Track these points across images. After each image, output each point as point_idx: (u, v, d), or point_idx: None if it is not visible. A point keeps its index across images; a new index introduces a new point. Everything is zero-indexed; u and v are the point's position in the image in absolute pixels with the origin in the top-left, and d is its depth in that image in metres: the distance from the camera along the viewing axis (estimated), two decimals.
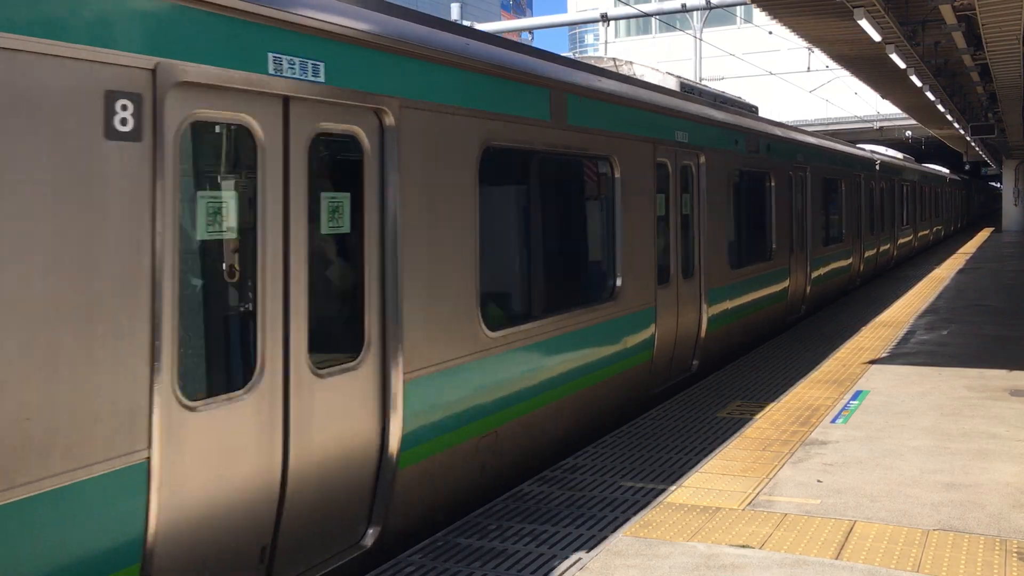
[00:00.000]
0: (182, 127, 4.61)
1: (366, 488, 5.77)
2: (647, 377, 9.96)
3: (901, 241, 28.64)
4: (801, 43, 21.41)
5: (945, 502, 6.10)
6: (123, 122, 4.27)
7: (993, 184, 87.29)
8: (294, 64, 5.22)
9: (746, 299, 13.13)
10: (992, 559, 5.15)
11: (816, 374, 10.48)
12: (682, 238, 10.91)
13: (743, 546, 5.41)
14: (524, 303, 7.92)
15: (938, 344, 12.26)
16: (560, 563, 5.55)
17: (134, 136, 4.32)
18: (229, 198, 4.98)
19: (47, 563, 3.90)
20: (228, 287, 5.06)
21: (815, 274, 17.05)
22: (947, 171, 47.71)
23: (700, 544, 5.45)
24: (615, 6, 29.37)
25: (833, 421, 8.28)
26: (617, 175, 9.34)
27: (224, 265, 5.02)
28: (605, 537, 5.80)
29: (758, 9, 16.64)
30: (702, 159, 11.52)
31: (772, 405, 9.01)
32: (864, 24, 14.51)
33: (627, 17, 37.81)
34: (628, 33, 70.92)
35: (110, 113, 4.22)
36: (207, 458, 4.67)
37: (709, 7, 28.22)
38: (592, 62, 11.40)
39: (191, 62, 4.61)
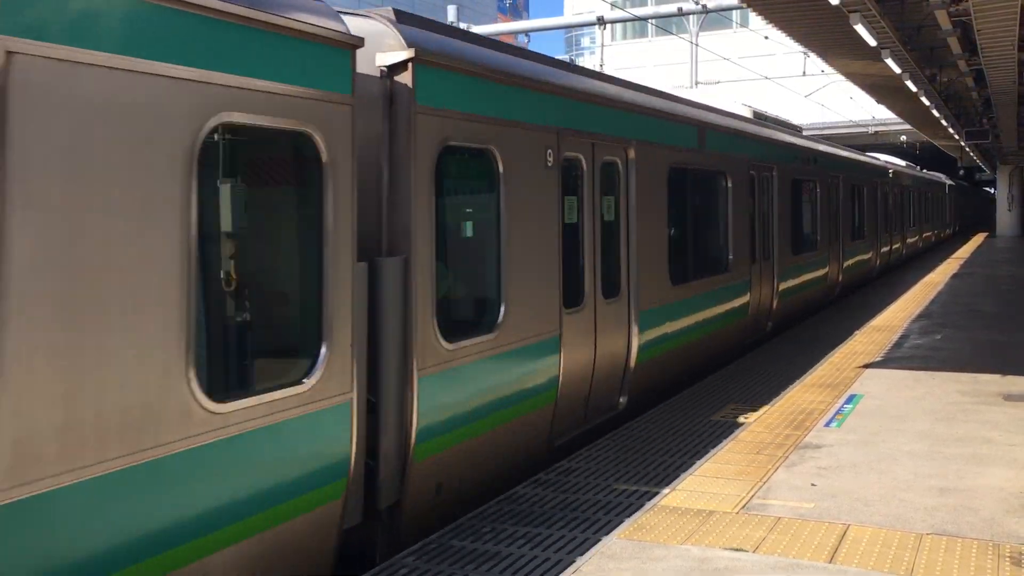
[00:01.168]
0: None
1: (620, 374, 9.42)
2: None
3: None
4: (797, 48, 21.46)
5: (939, 506, 6.11)
6: None
7: (987, 190, 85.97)
8: None
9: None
10: (985, 563, 5.15)
11: (810, 378, 10.49)
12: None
13: (737, 549, 5.41)
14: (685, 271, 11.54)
15: (932, 348, 12.28)
16: (554, 566, 5.55)
17: None
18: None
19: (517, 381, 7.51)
20: (578, 256, 8.79)
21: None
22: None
23: (694, 547, 5.45)
24: (611, 9, 29.37)
25: (827, 425, 8.29)
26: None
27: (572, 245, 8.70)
28: (599, 540, 5.80)
29: (753, 13, 16.67)
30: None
31: (766, 408, 9.02)
32: (860, 29, 14.55)
33: (623, 20, 37.88)
34: (624, 36, 71.02)
35: None
36: (579, 337, 8.54)
37: (705, 11, 28.28)
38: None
39: None
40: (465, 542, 5.93)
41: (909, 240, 32.30)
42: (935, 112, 26.20)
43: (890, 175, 27.42)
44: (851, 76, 23.66)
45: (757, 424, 8.39)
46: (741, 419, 8.99)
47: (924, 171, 41.82)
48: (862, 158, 23.83)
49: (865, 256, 22.98)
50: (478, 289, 7.63)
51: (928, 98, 23.17)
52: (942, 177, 47.19)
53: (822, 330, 15.40)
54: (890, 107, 31.72)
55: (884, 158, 30.86)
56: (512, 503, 6.69)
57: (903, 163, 34.18)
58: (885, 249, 26.31)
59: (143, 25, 4.33)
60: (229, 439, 4.73)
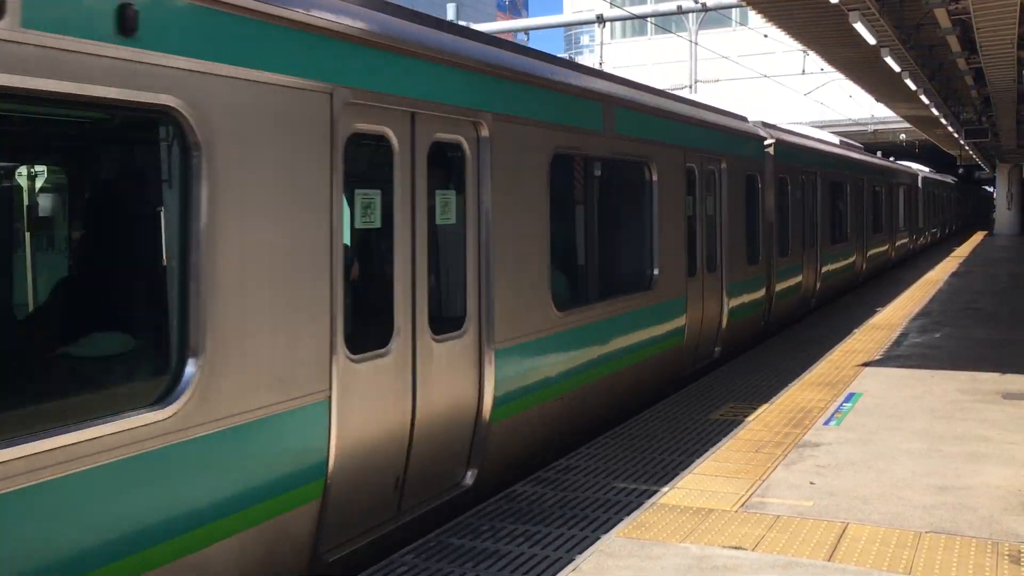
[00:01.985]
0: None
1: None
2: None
3: None
4: (796, 46, 21.45)
5: (937, 505, 6.11)
6: None
7: (986, 188, 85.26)
8: None
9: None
10: (984, 562, 5.16)
11: (809, 376, 10.49)
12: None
13: (736, 548, 5.41)
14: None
15: (931, 347, 12.29)
16: (553, 564, 5.55)
17: None
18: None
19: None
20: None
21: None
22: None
23: (693, 545, 5.46)
24: (611, 8, 29.37)
25: (826, 423, 8.29)
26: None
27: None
28: (598, 538, 5.80)
29: (753, 12, 16.66)
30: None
31: (765, 407, 9.02)
32: (859, 27, 14.54)
33: (622, 19, 37.86)
34: (624, 35, 70.97)
35: None
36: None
37: (704, 9, 28.26)
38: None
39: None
40: (464, 540, 5.94)
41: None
42: (935, 111, 26.19)
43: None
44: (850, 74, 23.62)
45: (756, 422, 8.39)
46: (740, 418, 8.99)
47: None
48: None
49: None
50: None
51: (927, 96, 23.17)
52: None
53: (821, 328, 15.40)
54: (889, 106, 31.71)
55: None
56: (511, 501, 6.69)
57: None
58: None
59: None
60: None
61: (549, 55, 8.84)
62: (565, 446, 8.36)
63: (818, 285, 18.02)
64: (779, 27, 17.71)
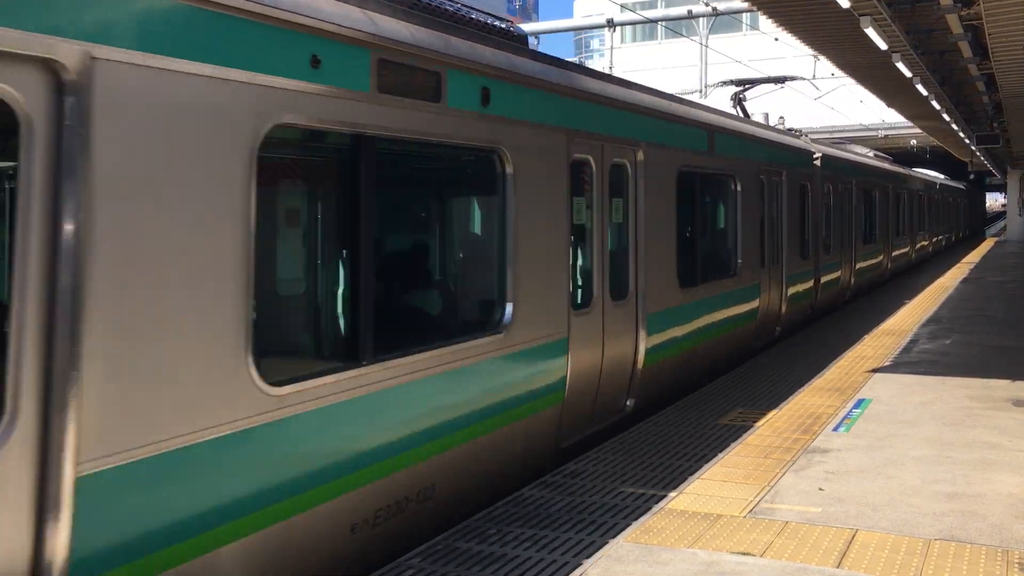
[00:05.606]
0: None
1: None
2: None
3: None
4: (807, 51, 21.40)
5: (947, 512, 6.08)
6: None
7: (996, 194, 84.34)
8: None
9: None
10: (994, 570, 5.13)
11: (818, 382, 10.45)
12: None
13: (744, 553, 5.39)
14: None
15: (941, 353, 12.24)
16: (560, 568, 5.54)
17: None
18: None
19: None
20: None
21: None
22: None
23: (701, 551, 5.44)
24: (621, 12, 29.33)
25: (835, 429, 8.26)
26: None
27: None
28: (606, 543, 5.79)
29: (764, 16, 16.63)
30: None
31: (774, 412, 8.99)
32: (870, 32, 14.50)
33: (633, 23, 37.86)
34: (634, 39, 70.94)
35: None
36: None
37: (715, 13, 28.25)
38: None
39: None
40: (471, 544, 5.93)
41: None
42: (946, 116, 26.11)
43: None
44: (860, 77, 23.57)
45: (764, 428, 8.36)
46: (748, 423, 8.97)
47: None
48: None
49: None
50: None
51: (938, 102, 23.08)
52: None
53: (830, 334, 15.35)
54: (900, 111, 31.61)
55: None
56: (518, 505, 6.68)
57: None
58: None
59: None
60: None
61: (677, 97, 11.48)
62: (679, 392, 10.88)
63: (852, 280, 20.73)
64: (790, 32, 17.67)
